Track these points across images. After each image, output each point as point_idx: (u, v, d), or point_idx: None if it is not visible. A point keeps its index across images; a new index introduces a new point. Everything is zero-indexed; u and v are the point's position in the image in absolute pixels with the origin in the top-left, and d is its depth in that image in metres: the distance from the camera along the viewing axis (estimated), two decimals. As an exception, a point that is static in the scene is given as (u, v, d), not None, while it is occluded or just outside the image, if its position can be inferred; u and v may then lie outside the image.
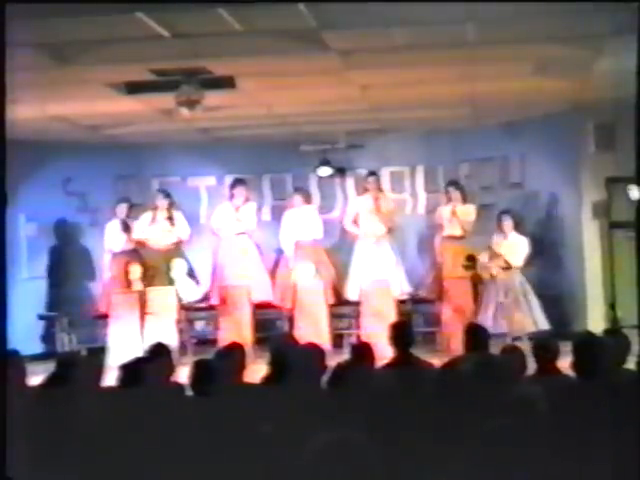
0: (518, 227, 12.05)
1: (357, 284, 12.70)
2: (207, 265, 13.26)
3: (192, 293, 12.44)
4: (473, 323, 9.71)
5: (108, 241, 13.17)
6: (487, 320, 11.09)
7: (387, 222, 12.79)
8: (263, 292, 12.81)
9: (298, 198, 13.18)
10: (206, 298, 12.88)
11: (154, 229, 12.87)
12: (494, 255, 11.73)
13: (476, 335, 7.08)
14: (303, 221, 13.02)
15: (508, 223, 11.98)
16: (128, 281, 12.38)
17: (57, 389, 5.88)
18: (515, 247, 11.82)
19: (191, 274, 12.80)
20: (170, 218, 12.87)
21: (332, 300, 12.70)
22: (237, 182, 13.13)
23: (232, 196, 12.97)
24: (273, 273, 13.28)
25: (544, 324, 11.58)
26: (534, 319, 11.55)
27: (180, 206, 13.20)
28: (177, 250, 12.90)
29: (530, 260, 12.49)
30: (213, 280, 12.93)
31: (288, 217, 13.17)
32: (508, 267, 11.73)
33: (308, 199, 13.32)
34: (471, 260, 12.19)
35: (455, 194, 12.83)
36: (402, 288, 12.74)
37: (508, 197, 13.78)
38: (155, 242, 12.83)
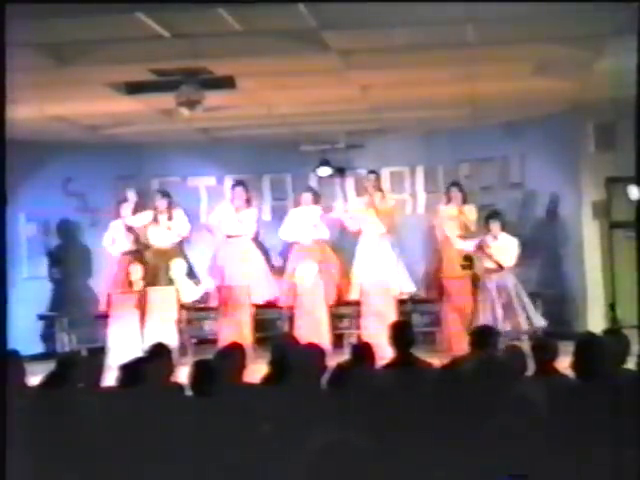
0: (506, 228, 11.98)
1: (358, 284, 12.69)
2: (207, 265, 13.24)
3: (191, 294, 12.42)
4: (482, 325, 9.75)
5: (108, 241, 13.15)
6: (488, 322, 11.05)
7: (386, 221, 12.78)
8: (264, 294, 12.78)
9: (308, 196, 13.14)
10: (205, 299, 12.84)
11: (155, 229, 12.87)
12: (483, 250, 11.74)
13: (483, 336, 7.06)
14: (310, 220, 13.00)
15: (496, 226, 11.91)
16: (129, 281, 12.37)
17: (57, 389, 5.88)
18: (505, 248, 11.77)
19: (192, 273, 12.77)
20: (170, 218, 12.86)
21: (333, 300, 12.69)
22: (237, 184, 13.12)
23: (233, 198, 12.97)
24: (280, 273, 13.27)
25: (540, 321, 11.55)
26: (529, 318, 11.53)
27: (180, 206, 13.18)
28: (177, 250, 12.88)
29: (529, 260, 12.49)
30: (213, 281, 12.89)
31: (294, 214, 13.15)
32: (500, 268, 11.71)
33: (317, 200, 13.29)
34: (468, 260, 12.19)
35: (456, 195, 12.82)
36: (402, 288, 12.72)
37: (508, 197, 13.78)
38: (156, 242, 12.82)
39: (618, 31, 8.31)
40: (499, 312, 11.50)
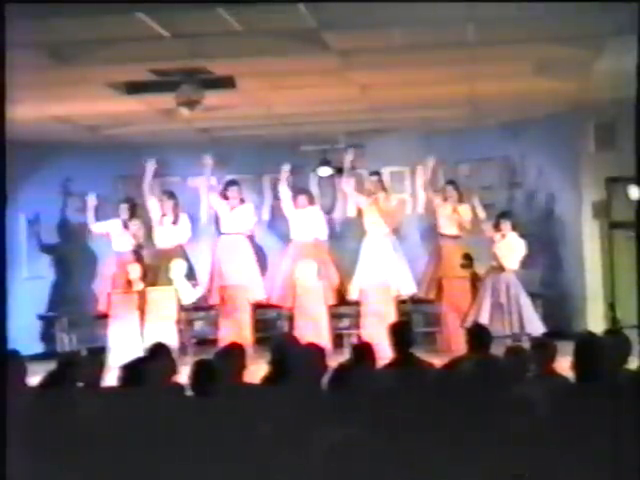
0: (516, 229, 12.02)
1: (358, 284, 12.69)
2: (206, 266, 13.24)
3: (189, 295, 12.42)
4: (476, 323, 9.74)
5: (101, 228, 13.16)
6: (481, 321, 11.04)
7: (389, 221, 12.78)
8: (258, 292, 12.79)
9: (302, 198, 13.15)
10: (204, 299, 12.84)
11: (159, 230, 12.87)
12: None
13: (478, 335, 7.07)
14: (307, 221, 13.01)
15: (507, 225, 11.95)
16: (128, 281, 12.38)
17: (57, 389, 5.88)
18: (512, 248, 11.77)
19: (191, 275, 12.76)
20: (175, 221, 12.85)
21: (333, 300, 12.69)
22: (230, 183, 13.12)
23: (227, 197, 12.95)
24: (274, 272, 13.26)
25: (534, 328, 11.41)
26: (521, 322, 11.46)
27: (184, 210, 13.17)
28: (179, 251, 12.86)
29: (529, 260, 12.49)
30: (211, 281, 12.91)
31: (293, 217, 13.15)
32: (501, 268, 11.71)
33: (312, 200, 13.30)
34: (468, 259, 12.19)
35: (452, 194, 12.83)
36: (403, 288, 12.72)
37: (508, 197, 13.78)
38: (160, 242, 12.83)
39: (618, 31, 8.31)
40: (491, 312, 11.47)
